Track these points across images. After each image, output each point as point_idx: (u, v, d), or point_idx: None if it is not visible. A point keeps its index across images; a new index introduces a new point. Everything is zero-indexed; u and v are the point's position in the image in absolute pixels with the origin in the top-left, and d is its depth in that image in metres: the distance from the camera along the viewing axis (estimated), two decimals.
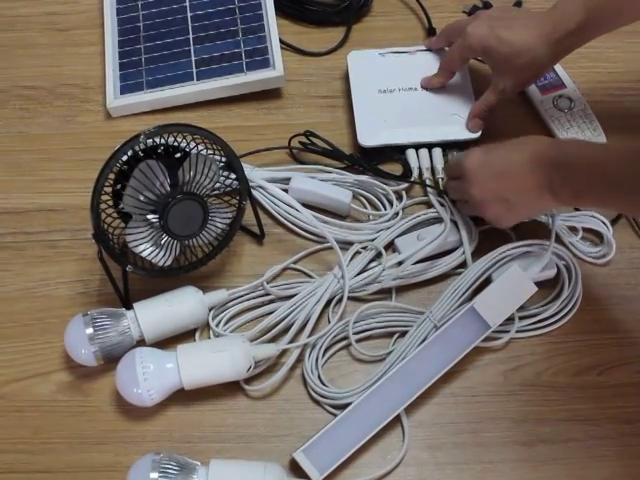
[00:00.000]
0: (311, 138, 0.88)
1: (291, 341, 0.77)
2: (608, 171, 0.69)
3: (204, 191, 0.75)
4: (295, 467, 0.71)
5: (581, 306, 0.80)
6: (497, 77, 0.86)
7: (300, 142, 0.89)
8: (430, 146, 0.89)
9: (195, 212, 0.74)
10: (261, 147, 0.90)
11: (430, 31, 1.00)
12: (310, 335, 0.77)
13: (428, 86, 0.91)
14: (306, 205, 0.84)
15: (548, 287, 0.81)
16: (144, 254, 0.75)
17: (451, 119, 0.90)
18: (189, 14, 0.99)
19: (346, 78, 0.95)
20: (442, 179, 0.87)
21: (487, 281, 0.79)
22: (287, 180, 0.86)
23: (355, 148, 0.90)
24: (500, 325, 0.77)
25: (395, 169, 0.89)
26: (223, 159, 0.77)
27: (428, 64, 0.94)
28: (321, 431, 0.71)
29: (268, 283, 0.81)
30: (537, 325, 0.79)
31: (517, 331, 0.78)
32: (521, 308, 0.79)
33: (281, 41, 0.96)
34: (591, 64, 0.97)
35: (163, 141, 0.74)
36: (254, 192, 0.84)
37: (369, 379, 0.75)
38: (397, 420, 0.74)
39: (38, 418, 0.76)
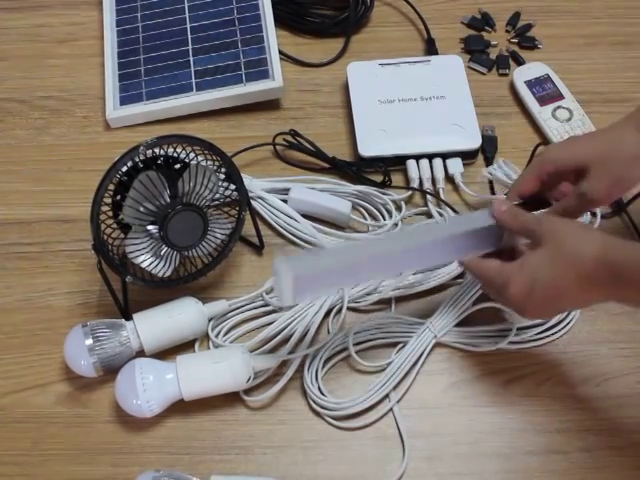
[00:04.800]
0: (296, 137, 0.89)
1: (291, 352, 0.77)
2: None
3: (204, 202, 0.75)
4: None
5: (580, 317, 0.80)
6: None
7: (285, 139, 0.90)
8: (430, 156, 0.89)
9: (195, 223, 0.74)
10: (260, 158, 0.91)
11: (429, 42, 1.01)
12: (310, 346, 0.77)
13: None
14: (305, 216, 0.84)
15: None
16: (144, 265, 0.75)
17: (451, 129, 0.90)
18: (189, 25, 0.99)
19: (345, 89, 0.96)
20: (442, 189, 0.87)
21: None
22: (286, 191, 0.86)
23: (356, 158, 0.90)
24: (499, 333, 0.78)
25: (397, 179, 0.89)
26: (222, 170, 0.77)
27: (427, 75, 0.94)
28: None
29: (267, 294, 0.81)
30: (537, 336, 0.79)
31: (517, 342, 0.78)
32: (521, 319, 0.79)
33: (280, 52, 0.97)
34: (588, 75, 0.98)
35: (163, 152, 0.74)
36: (253, 203, 0.84)
37: (369, 390, 0.75)
38: (396, 431, 0.74)
39: (37, 429, 0.75)
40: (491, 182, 0.88)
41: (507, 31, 1.03)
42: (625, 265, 0.62)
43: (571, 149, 0.73)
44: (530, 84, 0.95)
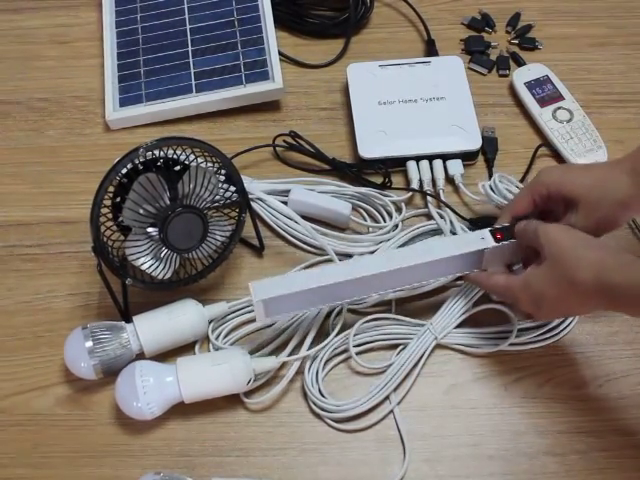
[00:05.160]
0: (296, 139, 0.89)
1: (291, 354, 0.77)
2: None
3: (203, 204, 0.75)
4: None
5: (581, 317, 0.80)
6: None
7: (285, 141, 0.90)
8: (431, 157, 0.89)
9: (195, 225, 0.74)
10: (260, 159, 0.91)
11: (429, 42, 1.01)
12: (310, 348, 0.77)
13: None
14: (305, 217, 0.84)
15: None
16: (144, 267, 0.75)
17: (451, 130, 0.90)
18: (188, 26, 0.99)
19: (345, 90, 0.96)
20: (443, 190, 0.87)
21: (487, 293, 0.79)
22: (286, 192, 0.86)
23: (356, 160, 0.90)
24: (500, 334, 0.78)
25: (397, 181, 0.89)
26: (222, 172, 0.77)
27: (427, 76, 0.94)
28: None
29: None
30: (539, 337, 0.79)
31: (518, 344, 0.78)
32: (522, 321, 0.79)
33: (280, 53, 0.96)
34: (588, 76, 0.98)
35: (163, 154, 0.74)
36: (253, 204, 0.84)
37: (370, 392, 0.75)
38: (397, 433, 0.74)
39: (37, 432, 0.75)
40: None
41: (507, 32, 1.03)
42: (619, 287, 0.64)
43: (564, 179, 0.74)
44: (530, 85, 0.95)
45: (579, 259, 0.67)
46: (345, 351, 0.78)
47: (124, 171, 0.72)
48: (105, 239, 0.74)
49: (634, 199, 0.71)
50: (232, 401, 0.76)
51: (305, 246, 0.85)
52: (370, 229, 0.86)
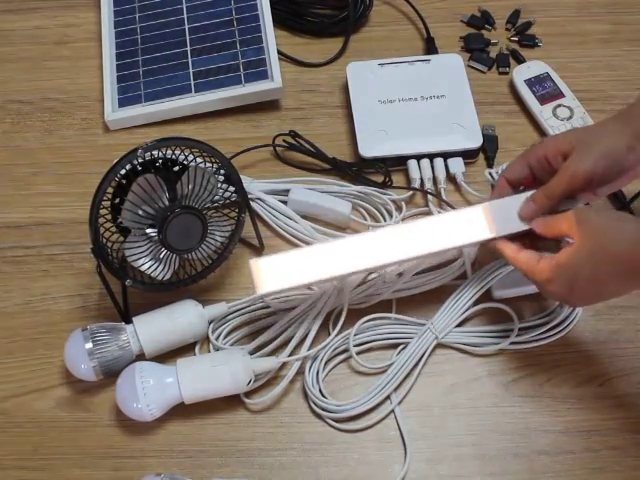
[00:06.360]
0: (296, 138, 0.89)
1: (291, 354, 0.77)
2: None
3: (203, 204, 0.74)
4: None
5: (581, 317, 0.79)
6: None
7: (285, 141, 0.89)
8: (431, 156, 0.89)
9: (194, 226, 0.74)
10: (260, 159, 0.91)
11: (428, 40, 1.00)
12: (310, 348, 0.77)
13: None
14: (305, 217, 0.84)
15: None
16: (143, 268, 0.75)
17: (452, 129, 0.89)
18: (187, 26, 0.99)
19: (345, 89, 0.95)
20: (444, 189, 0.87)
21: (487, 292, 0.79)
22: (286, 192, 0.86)
23: (356, 159, 0.90)
24: (501, 333, 0.78)
25: (397, 179, 0.89)
26: (221, 172, 0.76)
27: (427, 74, 0.94)
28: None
29: (268, 296, 0.80)
30: (539, 336, 0.78)
31: (519, 342, 0.78)
32: (523, 320, 0.79)
33: (279, 52, 0.96)
34: (589, 73, 0.97)
35: (161, 154, 0.74)
36: (253, 204, 0.84)
37: (370, 391, 0.75)
38: (398, 433, 0.74)
39: (38, 434, 0.75)
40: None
41: (507, 29, 1.02)
42: None
43: (558, 135, 0.73)
44: (530, 83, 0.94)
45: (617, 231, 0.64)
46: (345, 351, 0.78)
47: (123, 172, 0.72)
48: (104, 241, 0.74)
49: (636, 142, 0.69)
50: (232, 402, 0.76)
51: (305, 246, 0.84)
52: (370, 228, 0.86)
